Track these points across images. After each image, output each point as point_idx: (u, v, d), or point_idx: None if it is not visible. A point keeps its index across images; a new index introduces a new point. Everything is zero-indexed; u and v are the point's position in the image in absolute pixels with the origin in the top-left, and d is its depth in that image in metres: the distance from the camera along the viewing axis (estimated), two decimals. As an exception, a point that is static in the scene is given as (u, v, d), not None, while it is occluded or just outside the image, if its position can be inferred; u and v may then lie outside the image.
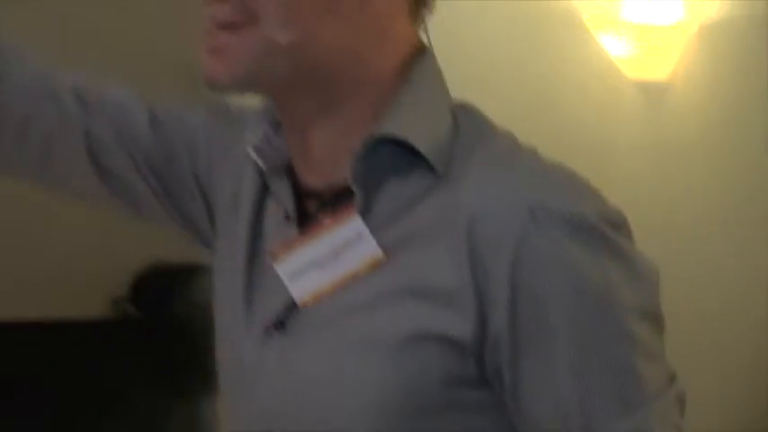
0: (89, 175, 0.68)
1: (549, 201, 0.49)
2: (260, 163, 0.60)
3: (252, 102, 0.64)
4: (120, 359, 1.81)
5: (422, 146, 0.52)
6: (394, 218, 0.53)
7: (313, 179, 0.57)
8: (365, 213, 0.53)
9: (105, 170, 0.68)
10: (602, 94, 1.85)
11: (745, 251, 2.02)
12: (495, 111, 0.62)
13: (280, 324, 0.56)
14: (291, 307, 0.55)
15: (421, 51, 0.57)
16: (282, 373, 0.56)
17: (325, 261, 0.55)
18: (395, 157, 0.53)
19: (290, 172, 0.59)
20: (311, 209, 0.57)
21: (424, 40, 0.57)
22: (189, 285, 1.72)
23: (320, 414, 0.53)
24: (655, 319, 0.50)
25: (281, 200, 0.59)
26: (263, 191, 0.63)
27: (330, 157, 0.55)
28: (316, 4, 0.51)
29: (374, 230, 0.53)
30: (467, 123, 0.56)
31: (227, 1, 0.50)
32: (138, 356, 1.79)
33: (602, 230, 0.49)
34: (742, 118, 1.91)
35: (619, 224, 0.51)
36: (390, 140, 0.52)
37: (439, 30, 0.61)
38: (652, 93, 1.85)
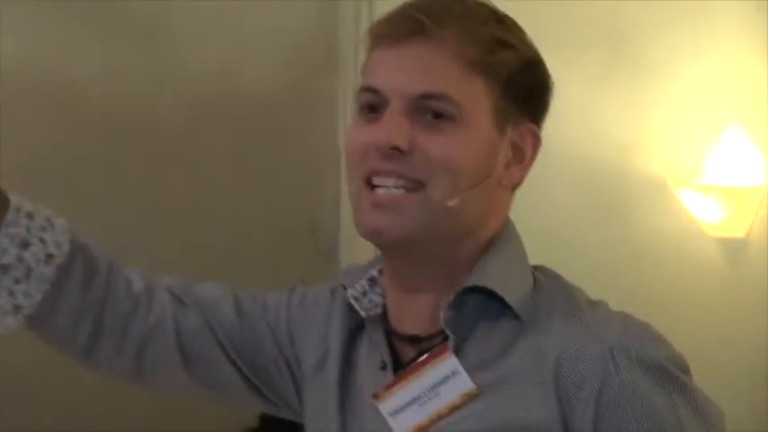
0: (177, 366, 0.72)
1: (627, 345, 0.56)
2: (360, 311, 0.66)
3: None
4: None
5: (508, 296, 0.58)
6: (485, 361, 0.59)
7: (407, 327, 0.63)
8: (458, 354, 0.59)
9: (194, 359, 0.73)
10: (684, 250, 1.88)
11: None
12: (577, 268, 0.72)
13: None
14: None
15: (506, 219, 0.66)
16: None
17: (424, 397, 0.60)
18: (484, 307, 0.60)
19: (383, 321, 0.66)
20: (404, 354, 0.64)
21: None
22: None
23: None
24: None
25: (378, 347, 0.65)
26: (351, 338, 0.69)
27: (430, 311, 0.62)
28: (474, 178, 0.60)
29: (467, 372, 0.59)
30: (546, 280, 0.63)
31: (400, 162, 0.58)
32: None
33: (672, 372, 0.56)
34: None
35: (686, 368, 0.58)
36: (479, 290, 0.59)
37: (521, 194, 0.69)
38: (731, 249, 1.87)
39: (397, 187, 0.60)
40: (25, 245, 0.67)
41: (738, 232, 1.83)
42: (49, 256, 0.67)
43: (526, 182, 0.66)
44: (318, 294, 0.75)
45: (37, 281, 0.67)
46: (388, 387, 0.62)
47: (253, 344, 0.74)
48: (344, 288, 0.68)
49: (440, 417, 0.60)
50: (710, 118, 1.88)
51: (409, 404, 0.61)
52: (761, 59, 1.85)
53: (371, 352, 0.67)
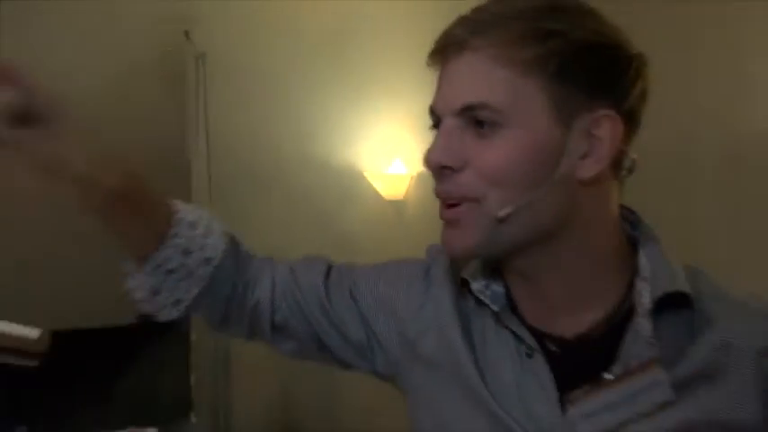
0: (270, 336, 0.80)
1: None
2: (492, 306, 0.66)
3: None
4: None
5: (690, 292, 0.60)
6: (678, 359, 0.59)
7: (546, 322, 0.64)
8: (659, 359, 0.58)
9: (285, 334, 0.80)
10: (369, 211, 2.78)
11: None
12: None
13: None
14: None
15: (631, 215, 0.66)
16: None
17: (622, 405, 0.58)
18: (664, 309, 0.60)
19: (515, 312, 0.66)
20: (551, 347, 0.64)
21: None
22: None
23: None
24: None
25: (525, 338, 0.65)
26: (467, 331, 0.69)
27: (569, 306, 0.63)
28: (530, 182, 0.58)
29: (667, 372, 0.58)
30: (689, 269, 0.64)
31: (453, 181, 0.60)
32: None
33: None
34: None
35: None
36: (668, 296, 0.59)
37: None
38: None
39: (455, 205, 0.61)
40: (188, 253, 0.73)
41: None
42: (207, 260, 0.74)
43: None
44: (412, 275, 0.76)
45: (196, 280, 0.74)
46: (588, 392, 0.60)
47: (339, 325, 0.77)
48: (466, 281, 0.68)
49: (630, 421, 0.58)
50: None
51: (603, 410, 0.59)
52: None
53: (497, 339, 0.67)
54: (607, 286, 0.62)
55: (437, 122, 0.62)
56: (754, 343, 0.58)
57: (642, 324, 0.59)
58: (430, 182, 0.64)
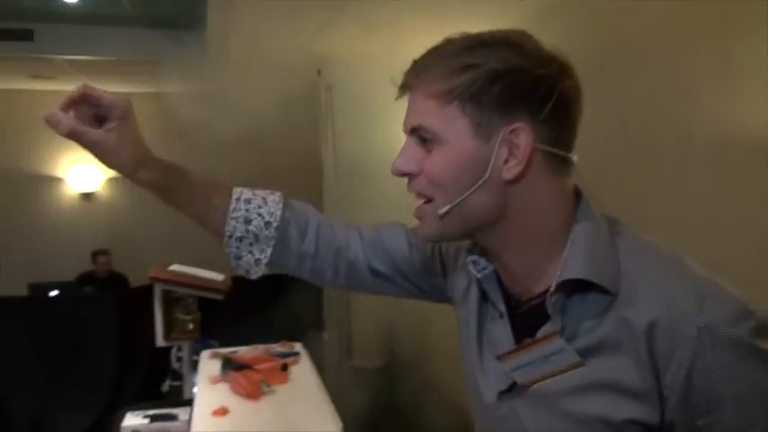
0: (370, 284, 0.95)
1: (713, 324, 0.61)
2: (474, 272, 0.79)
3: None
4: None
5: (600, 280, 0.66)
6: (582, 332, 0.68)
7: (515, 290, 0.76)
8: (562, 330, 0.68)
9: (379, 275, 0.93)
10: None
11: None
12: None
13: (507, 391, 0.75)
14: (514, 384, 0.74)
15: (576, 195, 0.72)
16: (512, 419, 0.75)
17: (538, 362, 0.70)
18: (579, 288, 0.68)
19: (498, 280, 0.78)
20: (518, 310, 0.75)
21: None
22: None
23: None
24: None
25: (497, 303, 0.78)
26: (483, 294, 0.81)
27: (525, 277, 0.73)
28: (462, 185, 0.69)
29: (571, 342, 0.68)
30: (626, 246, 0.69)
31: (414, 183, 0.72)
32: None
33: (756, 346, 0.61)
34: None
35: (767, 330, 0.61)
36: (575, 279, 0.67)
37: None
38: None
39: (420, 202, 0.73)
40: (248, 221, 0.87)
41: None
42: (268, 224, 0.87)
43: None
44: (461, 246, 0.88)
45: (264, 241, 0.87)
46: (510, 353, 0.72)
47: (420, 270, 0.93)
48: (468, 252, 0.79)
49: (552, 375, 0.70)
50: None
51: (526, 365, 0.71)
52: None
53: (488, 304, 0.80)
54: (551, 263, 0.71)
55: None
56: (646, 318, 0.63)
57: (548, 301, 0.68)
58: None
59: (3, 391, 4.00)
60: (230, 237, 0.88)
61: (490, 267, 0.79)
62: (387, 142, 3.22)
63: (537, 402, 0.73)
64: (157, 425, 2.22)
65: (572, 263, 0.68)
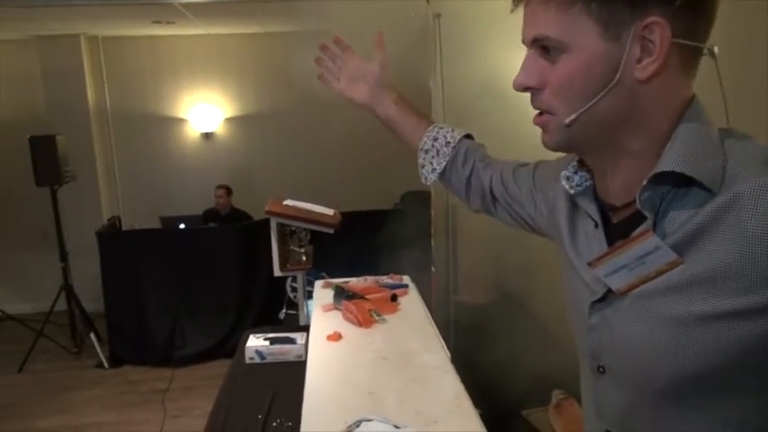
0: (493, 209, 1.09)
1: None
2: (567, 188, 0.79)
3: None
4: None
5: (696, 174, 0.62)
6: (679, 228, 0.64)
7: (613, 200, 0.73)
8: (657, 228, 0.65)
9: (497, 200, 1.07)
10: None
11: None
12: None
13: (601, 300, 0.74)
14: (608, 292, 0.72)
15: (691, 99, 0.68)
16: (604, 329, 0.74)
17: (632, 265, 0.68)
18: (676, 185, 0.65)
19: (594, 194, 0.77)
20: (614, 220, 0.74)
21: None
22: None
23: (636, 364, 0.69)
24: None
25: (591, 214, 0.76)
26: (573, 208, 0.82)
27: (625, 189, 0.71)
28: (590, 92, 0.66)
29: (666, 238, 0.65)
30: (736, 146, 0.65)
31: (535, 98, 0.72)
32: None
33: None
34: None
35: None
36: (669, 173, 0.64)
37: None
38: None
39: (541, 114, 0.72)
40: (435, 139, 1.13)
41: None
42: (448, 143, 1.12)
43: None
44: (554, 171, 0.89)
45: (442, 156, 1.12)
46: (601, 258, 0.71)
47: (523, 200, 1.01)
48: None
49: (649, 278, 0.67)
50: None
51: (620, 269, 0.69)
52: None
53: (581, 217, 0.80)
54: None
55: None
56: (746, 193, 0.59)
57: (638, 197, 0.66)
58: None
59: (143, 310, 4.49)
60: (421, 149, 1.14)
61: (585, 183, 0.78)
62: (494, 71, 3.25)
63: (636, 310, 0.69)
64: (277, 347, 2.39)
65: (668, 157, 0.65)
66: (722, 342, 0.61)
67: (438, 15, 2.94)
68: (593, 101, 0.66)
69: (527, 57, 0.71)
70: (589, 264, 0.73)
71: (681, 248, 0.64)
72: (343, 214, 3.35)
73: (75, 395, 4.10)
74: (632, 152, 0.69)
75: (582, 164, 0.79)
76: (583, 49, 0.65)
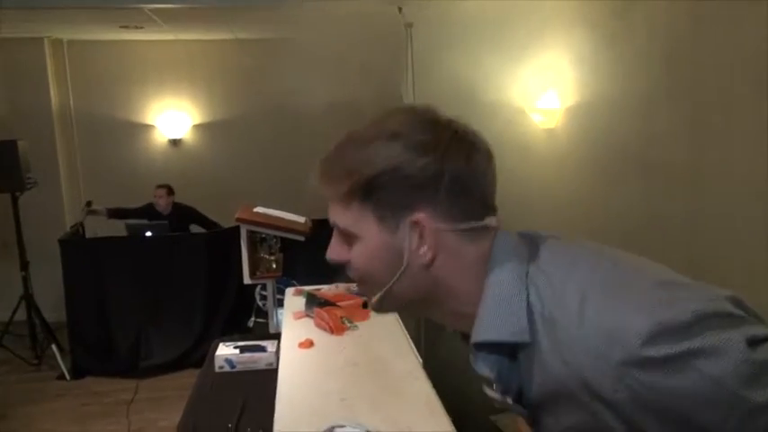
0: None
1: (630, 359, 0.56)
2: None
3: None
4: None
5: (509, 337, 0.65)
6: (516, 389, 0.69)
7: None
8: (501, 389, 0.69)
9: None
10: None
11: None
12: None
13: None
14: None
15: (490, 248, 0.70)
16: None
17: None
18: (495, 348, 0.68)
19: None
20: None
21: None
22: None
23: None
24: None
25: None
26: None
27: (452, 327, 0.76)
28: (385, 275, 0.70)
29: (512, 398, 0.69)
30: (538, 294, 0.65)
31: (348, 270, 0.74)
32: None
33: (677, 351, 0.54)
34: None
35: (686, 323, 0.55)
36: (486, 344, 0.67)
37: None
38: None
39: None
40: None
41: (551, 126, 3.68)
42: None
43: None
44: None
45: None
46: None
47: None
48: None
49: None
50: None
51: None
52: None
53: None
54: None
55: None
56: (577, 381, 0.61)
57: (473, 364, 0.69)
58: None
59: (107, 320, 4.39)
60: None
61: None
62: (465, 79, 3.32)
63: None
64: (247, 355, 2.37)
65: (480, 324, 0.68)
66: None
67: (410, 25, 2.99)
68: (389, 284, 0.71)
69: (334, 235, 0.75)
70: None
71: (533, 409, 0.69)
72: (315, 222, 3.35)
73: (36, 408, 3.97)
74: (454, 312, 0.72)
75: None
76: (369, 239, 0.70)
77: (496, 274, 0.68)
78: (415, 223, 0.68)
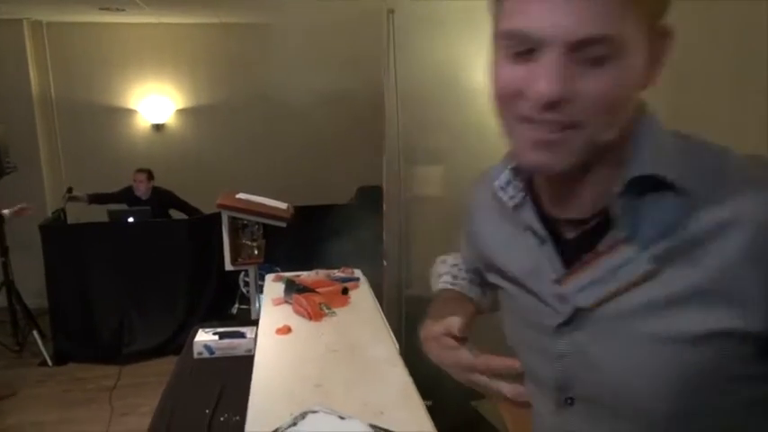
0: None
1: None
2: (506, 200, 0.69)
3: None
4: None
5: (672, 176, 0.57)
6: (655, 237, 0.58)
7: (570, 213, 0.65)
8: (632, 238, 0.59)
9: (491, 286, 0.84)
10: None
11: None
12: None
13: (568, 322, 0.65)
14: (576, 311, 0.64)
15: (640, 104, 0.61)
16: (575, 355, 0.66)
17: (605, 278, 0.61)
18: (648, 190, 0.58)
19: (535, 204, 0.68)
20: (568, 235, 0.66)
21: None
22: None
23: (614, 388, 0.62)
24: None
25: (536, 229, 0.68)
26: (503, 225, 0.73)
27: (589, 198, 0.62)
28: (626, 108, 0.56)
29: (642, 249, 0.59)
30: (696, 147, 0.59)
31: (558, 111, 0.54)
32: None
33: None
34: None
35: None
36: (641, 178, 0.58)
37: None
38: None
39: (553, 131, 0.56)
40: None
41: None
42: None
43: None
44: (470, 207, 0.83)
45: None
46: (569, 274, 0.64)
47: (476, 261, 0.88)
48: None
49: (618, 292, 0.61)
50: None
51: (588, 285, 0.63)
52: None
53: (522, 233, 0.70)
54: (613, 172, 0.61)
55: (531, 48, 0.55)
56: (754, 217, 0.54)
57: (612, 206, 0.60)
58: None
59: (89, 306, 4.36)
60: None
61: (519, 195, 0.70)
62: (448, 64, 3.31)
63: (608, 329, 0.62)
64: (226, 341, 2.36)
65: (636, 160, 0.59)
66: (713, 361, 0.57)
67: (392, 11, 2.97)
68: (626, 116, 0.58)
69: (551, 60, 0.54)
70: (558, 281, 0.66)
71: (662, 261, 0.59)
72: (297, 208, 3.34)
73: (18, 394, 3.95)
74: (606, 159, 0.60)
75: (516, 173, 0.70)
76: (637, 56, 0.55)
77: (647, 124, 0.62)
78: (663, 35, 0.57)
